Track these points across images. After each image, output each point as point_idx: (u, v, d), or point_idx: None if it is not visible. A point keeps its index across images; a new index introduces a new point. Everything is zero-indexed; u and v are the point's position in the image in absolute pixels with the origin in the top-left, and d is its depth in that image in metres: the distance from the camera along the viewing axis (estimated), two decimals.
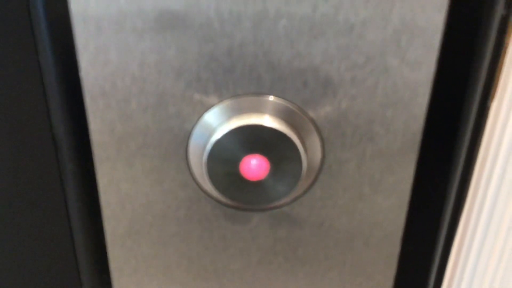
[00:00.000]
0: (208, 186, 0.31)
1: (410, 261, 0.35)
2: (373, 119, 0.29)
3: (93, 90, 0.29)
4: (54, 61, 0.30)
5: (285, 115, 0.29)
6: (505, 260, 0.35)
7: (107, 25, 0.27)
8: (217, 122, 0.29)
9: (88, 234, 0.35)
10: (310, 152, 0.30)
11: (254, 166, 0.29)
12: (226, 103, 0.29)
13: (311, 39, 0.27)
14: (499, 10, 0.28)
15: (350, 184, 0.32)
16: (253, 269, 0.34)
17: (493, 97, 0.31)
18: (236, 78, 0.28)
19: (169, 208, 0.32)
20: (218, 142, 0.28)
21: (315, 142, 0.30)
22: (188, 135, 0.30)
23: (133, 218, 0.32)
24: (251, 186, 0.29)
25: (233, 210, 0.32)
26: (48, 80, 0.30)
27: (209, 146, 0.29)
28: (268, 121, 0.28)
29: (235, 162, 0.29)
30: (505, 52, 0.30)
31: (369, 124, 0.30)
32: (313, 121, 0.30)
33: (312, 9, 0.27)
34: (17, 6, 0.29)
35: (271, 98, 0.29)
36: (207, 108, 0.29)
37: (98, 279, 0.36)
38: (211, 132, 0.29)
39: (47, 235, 0.35)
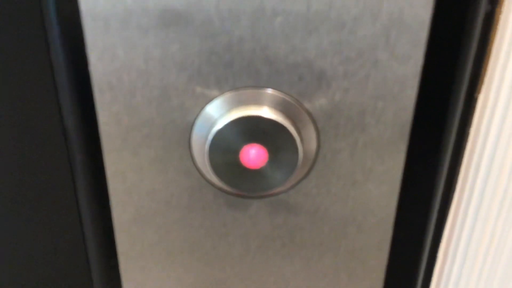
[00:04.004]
0: (210, 174, 0.33)
1: (401, 246, 0.36)
2: (365, 111, 0.31)
3: (101, 84, 0.30)
4: (64, 56, 0.32)
5: (282, 107, 0.31)
6: (495, 243, 0.37)
7: (114, 23, 0.29)
8: (218, 114, 0.31)
9: (97, 221, 0.36)
10: (305, 142, 0.32)
11: (253, 155, 0.30)
12: (226, 95, 0.31)
13: (305, 35, 0.29)
14: (484, 5, 0.30)
15: (344, 173, 0.33)
16: (252, 253, 0.36)
17: (479, 90, 0.33)
18: (236, 72, 0.30)
19: (172, 196, 0.34)
20: (219, 133, 0.30)
21: (310, 133, 0.32)
22: (190, 126, 0.32)
23: (139, 205, 0.34)
24: (250, 174, 0.31)
25: (233, 197, 0.34)
26: (58, 74, 0.32)
27: (210, 136, 0.30)
28: (266, 112, 0.30)
29: (235, 151, 0.30)
30: (490, 47, 0.32)
31: (361, 115, 0.31)
32: (308, 113, 0.31)
33: (306, 7, 0.29)
34: (29, 4, 0.31)
35: (269, 90, 0.31)
36: (208, 100, 0.31)
37: (106, 263, 0.38)
38: (213, 123, 0.31)
39: (57, 222, 0.37)
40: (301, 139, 0.31)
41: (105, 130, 0.32)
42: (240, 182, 0.31)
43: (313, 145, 0.32)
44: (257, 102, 0.31)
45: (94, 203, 0.36)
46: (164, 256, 0.36)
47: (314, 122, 0.32)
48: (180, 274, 0.37)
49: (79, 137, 0.34)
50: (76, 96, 0.33)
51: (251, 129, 0.30)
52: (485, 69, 0.32)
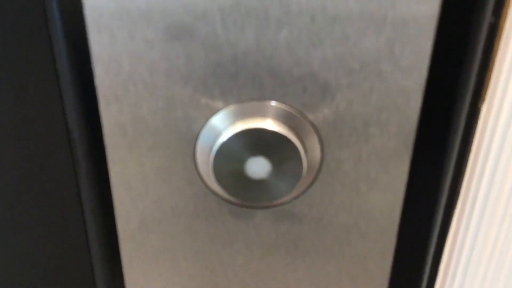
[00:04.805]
0: (214, 184, 0.33)
1: (405, 255, 0.37)
2: (369, 121, 0.31)
3: (107, 96, 0.31)
4: (70, 67, 0.32)
5: (286, 119, 0.31)
6: (497, 254, 0.37)
7: (120, 36, 0.29)
8: (223, 126, 0.31)
9: (101, 230, 0.37)
10: (309, 152, 0.32)
11: (258, 166, 0.31)
12: (231, 107, 0.31)
13: (310, 47, 0.29)
14: (487, 17, 0.30)
15: (348, 182, 0.34)
16: (256, 262, 0.36)
17: (483, 100, 0.33)
18: (240, 84, 0.30)
19: (177, 205, 0.34)
20: (224, 144, 0.30)
21: (314, 143, 0.32)
22: (195, 137, 0.32)
23: (144, 214, 0.35)
24: (254, 185, 0.31)
25: (237, 207, 0.34)
26: (63, 84, 0.32)
27: (215, 148, 0.31)
28: (270, 124, 0.30)
29: (240, 162, 0.31)
30: (494, 58, 0.32)
31: (365, 126, 0.31)
32: (312, 124, 0.31)
33: (310, 20, 0.29)
34: (34, 13, 0.31)
35: (273, 103, 0.31)
36: (213, 112, 0.31)
37: (110, 271, 0.38)
38: (217, 134, 0.31)
39: (62, 230, 0.38)
40: (305, 150, 0.31)
41: (110, 140, 0.32)
42: (244, 192, 0.32)
43: (317, 155, 0.33)
44: (261, 114, 0.31)
45: (99, 213, 0.36)
46: (168, 264, 0.36)
47: (318, 133, 0.32)
48: (184, 281, 0.37)
49: (84, 148, 0.34)
50: (82, 107, 0.33)
51: (256, 141, 0.30)
52: (489, 80, 0.33)
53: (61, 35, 0.31)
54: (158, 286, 0.37)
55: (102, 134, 0.33)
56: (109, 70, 0.30)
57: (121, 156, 0.33)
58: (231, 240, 0.35)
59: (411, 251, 0.37)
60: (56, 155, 0.35)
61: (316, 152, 0.32)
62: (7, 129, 0.34)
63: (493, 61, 0.32)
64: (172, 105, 0.31)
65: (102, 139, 0.33)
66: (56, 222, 0.37)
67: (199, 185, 0.33)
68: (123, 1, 0.28)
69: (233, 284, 0.37)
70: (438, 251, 0.36)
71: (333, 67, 0.30)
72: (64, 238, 0.38)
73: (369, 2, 0.28)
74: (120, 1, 0.28)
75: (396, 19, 0.28)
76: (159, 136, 0.32)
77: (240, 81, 0.30)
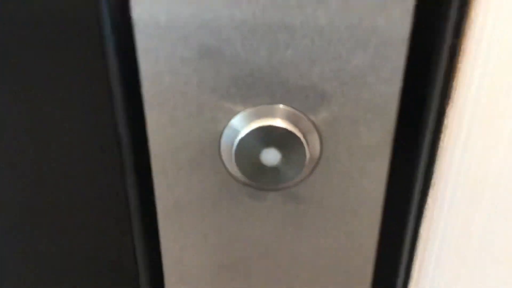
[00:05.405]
0: (235, 171, 0.41)
1: (387, 232, 0.45)
2: (358, 121, 0.39)
3: (151, 103, 0.39)
4: (120, 81, 0.40)
5: (292, 119, 0.39)
6: (472, 231, 0.45)
7: (162, 56, 0.38)
8: (242, 125, 0.39)
9: (142, 211, 0.45)
10: (311, 146, 0.40)
11: (270, 156, 0.39)
12: (248, 110, 0.39)
13: (310, 63, 0.38)
14: (449, 39, 0.38)
15: (342, 171, 0.42)
16: (269, 236, 0.44)
17: (448, 102, 0.41)
18: (256, 93, 0.39)
19: (205, 189, 0.42)
20: (243, 139, 0.38)
21: (315, 138, 0.40)
22: (220, 134, 0.40)
23: (178, 197, 0.43)
24: (268, 171, 0.39)
25: (254, 190, 0.42)
26: (114, 94, 0.41)
27: (236, 142, 0.39)
28: (279, 122, 0.38)
29: (256, 153, 0.39)
30: (456, 69, 0.40)
31: (354, 125, 0.40)
32: (313, 123, 0.40)
33: (311, 42, 0.37)
34: (90, 31, 0.39)
35: (282, 106, 0.39)
36: (234, 114, 0.40)
37: (149, 246, 0.46)
38: (237, 132, 0.39)
39: (107, 212, 0.46)
40: (308, 144, 0.39)
41: (153, 138, 0.41)
42: (259, 177, 0.40)
43: (317, 148, 0.41)
44: (272, 115, 0.39)
45: (140, 196, 0.44)
46: (198, 237, 0.44)
47: (318, 130, 0.40)
48: (211, 252, 0.45)
49: (130, 145, 0.42)
50: (128, 110, 0.41)
51: (268, 136, 0.38)
52: (452, 85, 0.41)
53: (114, 54, 0.39)
54: (190, 256, 0.45)
55: (146, 135, 0.41)
56: (153, 83, 0.38)
57: (160, 151, 0.41)
58: (248, 218, 0.44)
59: (392, 229, 0.45)
60: (105, 152, 0.43)
61: (316, 146, 0.41)
62: (63, 132, 0.43)
63: (455, 71, 0.40)
64: (202, 110, 0.39)
65: (145, 139, 0.41)
66: (102, 203, 0.46)
67: (223, 173, 0.42)
68: (165, 28, 0.37)
69: (251, 254, 0.45)
70: (417, 225, 0.44)
71: (329, 79, 0.38)
72: (109, 220, 0.46)
73: (356, 28, 0.36)
74: (162, 29, 0.37)
75: (377, 41, 0.37)
76: (191, 134, 0.40)
77: (255, 90, 0.39)
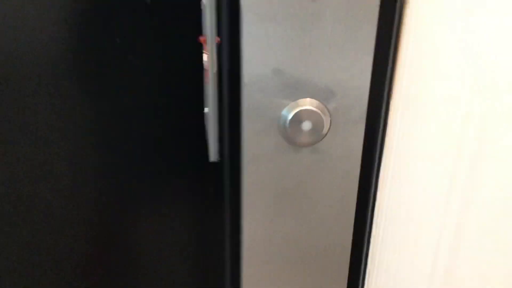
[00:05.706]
0: (289, 137, 0.76)
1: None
2: (349, 113, 0.76)
3: (249, 116, 0.75)
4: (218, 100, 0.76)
5: (317, 105, 0.75)
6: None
7: (264, 88, 0.74)
8: (289, 110, 0.75)
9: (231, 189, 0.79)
10: (326, 121, 0.76)
11: (306, 125, 0.75)
12: (294, 101, 0.75)
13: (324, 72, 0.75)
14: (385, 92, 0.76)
15: (342, 137, 0.78)
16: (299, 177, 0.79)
17: (391, 97, 0.79)
18: (299, 93, 0.75)
19: (264, 152, 0.77)
20: (292, 117, 0.74)
21: (327, 118, 0.76)
22: (279, 115, 0.76)
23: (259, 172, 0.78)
24: (305, 134, 0.75)
25: (298, 146, 0.78)
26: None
27: (288, 119, 0.75)
28: (310, 106, 0.75)
29: (299, 124, 0.75)
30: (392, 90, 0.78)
31: (347, 114, 0.76)
32: (328, 109, 0.76)
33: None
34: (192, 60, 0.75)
35: (308, 99, 0.76)
36: (286, 104, 0.76)
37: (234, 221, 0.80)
38: (288, 113, 0.75)
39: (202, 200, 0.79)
40: (325, 119, 0.76)
41: (246, 122, 0.76)
42: (301, 138, 0.75)
43: (327, 124, 0.77)
44: (306, 103, 0.76)
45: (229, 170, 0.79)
46: (251, 190, 0.79)
47: (330, 113, 0.76)
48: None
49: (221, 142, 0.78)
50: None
51: (305, 114, 0.75)
52: (393, 92, 0.78)
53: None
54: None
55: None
56: (253, 116, 0.74)
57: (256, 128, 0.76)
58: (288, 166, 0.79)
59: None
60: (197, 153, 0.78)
61: (327, 122, 0.77)
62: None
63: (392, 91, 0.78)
64: (271, 104, 0.75)
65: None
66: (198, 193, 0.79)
67: (278, 138, 0.77)
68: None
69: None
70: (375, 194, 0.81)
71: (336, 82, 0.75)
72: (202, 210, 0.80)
73: (344, 82, 0.74)
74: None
75: (351, 86, 0.74)
76: (263, 119, 0.76)
77: (298, 92, 0.75)
